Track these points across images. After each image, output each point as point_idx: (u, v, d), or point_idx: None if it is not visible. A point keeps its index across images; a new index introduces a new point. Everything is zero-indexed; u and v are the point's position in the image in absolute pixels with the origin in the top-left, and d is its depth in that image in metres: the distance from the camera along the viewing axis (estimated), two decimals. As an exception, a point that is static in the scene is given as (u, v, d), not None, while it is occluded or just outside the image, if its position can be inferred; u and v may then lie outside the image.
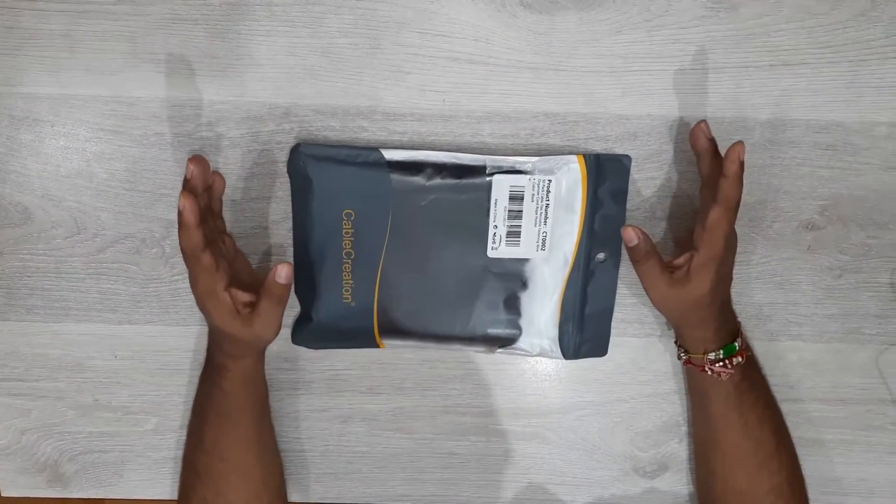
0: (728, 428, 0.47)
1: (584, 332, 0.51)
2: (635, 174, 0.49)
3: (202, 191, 0.43)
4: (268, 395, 0.50)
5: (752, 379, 0.48)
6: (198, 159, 0.42)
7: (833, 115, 0.48)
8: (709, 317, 0.46)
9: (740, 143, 0.41)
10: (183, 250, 0.41)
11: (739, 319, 0.50)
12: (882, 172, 0.49)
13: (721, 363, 0.46)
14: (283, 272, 0.41)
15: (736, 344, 0.46)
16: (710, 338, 0.46)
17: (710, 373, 0.46)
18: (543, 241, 0.49)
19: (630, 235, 0.44)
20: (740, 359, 0.46)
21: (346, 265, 0.49)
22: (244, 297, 0.43)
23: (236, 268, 0.46)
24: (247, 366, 0.46)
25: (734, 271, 0.47)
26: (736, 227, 0.45)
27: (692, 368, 0.48)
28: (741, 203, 0.49)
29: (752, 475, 0.47)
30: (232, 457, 0.47)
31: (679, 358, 0.49)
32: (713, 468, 0.49)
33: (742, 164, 0.41)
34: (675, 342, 0.50)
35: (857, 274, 0.51)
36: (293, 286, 0.50)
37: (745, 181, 0.49)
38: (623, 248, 0.50)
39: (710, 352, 0.46)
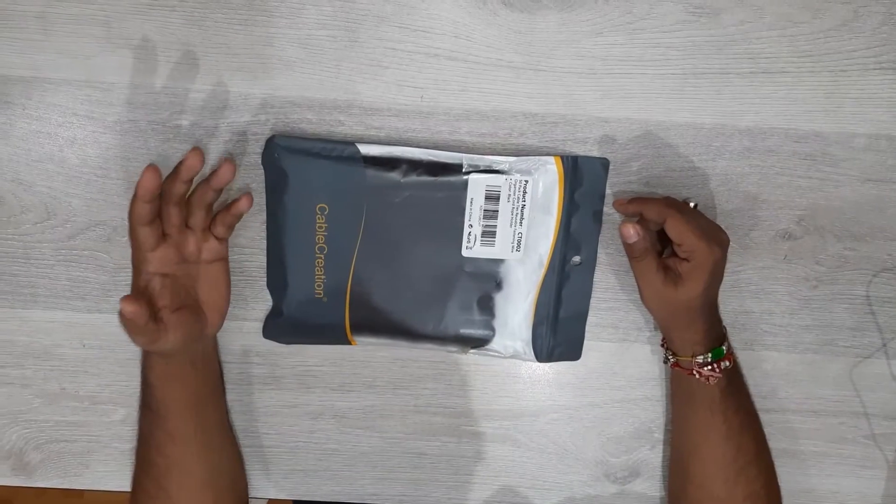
0: (711, 433, 0.47)
1: (558, 336, 0.51)
2: (613, 177, 0.48)
3: (185, 180, 0.41)
4: (210, 392, 0.49)
5: (737, 384, 0.48)
6: (196, 151, 0.40)
7: (812, 124, 0.48)
8: (698, 318, 0.46)
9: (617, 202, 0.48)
10: (128, 218, 0.42)
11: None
12: (860, 184, 0.49)
13: (709, 367, 0.46)
14: (126, 307, 0.39)
15: (723, 348, 0.46)
16: (698, 340, 0.46)
17: (697, 376, 0.46)
18: (519, 241, 0.48)
19: (629, 232, 0.44)
20: (728, 363, 0.46)
21: (319, 260, 0.48)
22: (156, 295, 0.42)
23: (196, 275, 0.45)
24: (158, 363, 0.45)
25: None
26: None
27: (679, 372, 0.48)
28: (719, 210, 0.49)
29: (731, 481, 0.47)
30: (169, 451, 0.46)
31: (666, 361, 0.49)
32: (691, 474, 0.49)
33: (630, 201, 0.46)
34: (662, 345, 0.49)
35: (832, 285, 0.51)
36: (266, 281, 0.50)
37: (724, 188, 0.49)
38: (598, 251, 0.50)
39: (699, 355, 0.46)
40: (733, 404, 0.47)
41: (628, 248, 0.46)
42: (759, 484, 0.48)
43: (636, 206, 0.46)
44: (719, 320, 0.48)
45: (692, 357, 0.46)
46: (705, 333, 0.46)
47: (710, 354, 0.46)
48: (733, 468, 0.47)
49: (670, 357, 0.48)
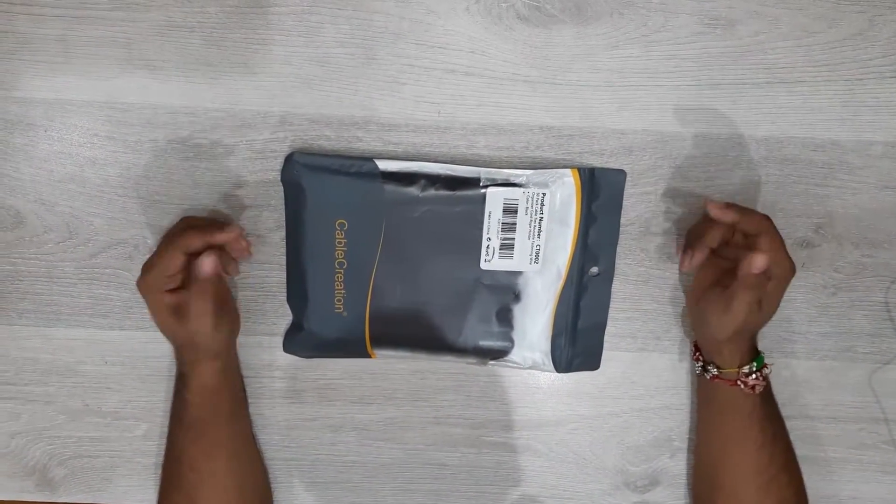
0: (746, 442, 0.47)
1: (577, 346, 0.51)
2: (630, 189, 0.49)
3: (213, 245, 0.44)
4: (240, 404, 0.50)
5: (769, 392, 0.48)
6: (238, 236, 0.45)
7: (829, 133, 0.48)
8: (746, 333, 0.46)
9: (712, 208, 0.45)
10: (171, 231, 0.43)
11: None
12: (877, 191, 0.49)
13: (754, 376, 0.46)
14: (204, 266, 0.42)
15: (763, 355, 0.47)
16: (745, 351, 0.46)
17: (742, 386, 0.46)
18: (537, 254, 0.48)
19: (761, 263, 0.42)
20: (768, 369, 0.46)
21: (339, 275, 0.49)
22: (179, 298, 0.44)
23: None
24: (203, 373, 0.45)
25: None
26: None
27: (720, 383, 0.47)
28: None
29: (763, 490, 0.47)
30: (201, 466, 0.46)
31: (704, 374, 0.48)
32: (720, 483, 0.49)
33: (728, 206, 0.44)
34: (695, 358, 0.49)
35: (851, 292, 0.51)
36: (286, 296, 0.50)
37: (741, 198, 0.49)
38: (616, 262, 0.50)
39: (745, 365, 0.46)
40: (768, 412, 0.47)
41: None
42: (790, 491, 0.48)
43: (734, 213, 0.44)
44: None
45: (739, 368, 0.46)
46: (748, 343, 0.46)
47: (754, 364, 0.46)
48: (766, 476, 0.47)
49: (711, 369, 0.47)
